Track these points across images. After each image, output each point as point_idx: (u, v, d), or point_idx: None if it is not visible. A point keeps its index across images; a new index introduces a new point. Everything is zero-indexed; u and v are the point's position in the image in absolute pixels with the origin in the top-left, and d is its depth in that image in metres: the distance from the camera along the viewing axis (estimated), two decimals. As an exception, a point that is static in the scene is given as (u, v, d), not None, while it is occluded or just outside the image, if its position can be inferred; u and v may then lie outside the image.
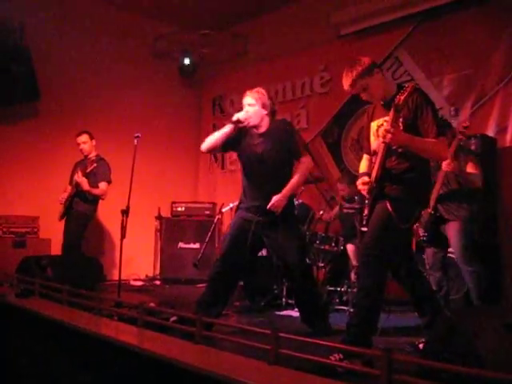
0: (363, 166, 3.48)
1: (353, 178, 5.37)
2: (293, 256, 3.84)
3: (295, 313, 4.69)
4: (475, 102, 5.92)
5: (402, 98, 2.97)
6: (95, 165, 5.75)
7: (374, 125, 3.30)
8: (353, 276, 5.10)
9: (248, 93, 3.85)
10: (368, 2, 6.63)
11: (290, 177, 3.87)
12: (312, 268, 5.28)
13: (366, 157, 3.48)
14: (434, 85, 6.25)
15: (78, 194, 5.80)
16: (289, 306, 5.19)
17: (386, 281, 3.16)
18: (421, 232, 4.41)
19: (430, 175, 3.42)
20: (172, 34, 7.96)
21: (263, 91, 3.87)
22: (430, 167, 3.37)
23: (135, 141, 5.11)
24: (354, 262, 5.34)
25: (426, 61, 6.36)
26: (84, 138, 6.00)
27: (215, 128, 7.59)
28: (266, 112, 3.83)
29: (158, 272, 7.72)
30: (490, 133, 5.56)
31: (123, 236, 4.89)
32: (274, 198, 3.73)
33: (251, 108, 3.84)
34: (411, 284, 3.41)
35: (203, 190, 8.88)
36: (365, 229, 3.17)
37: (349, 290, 5.04)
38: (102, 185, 5.85)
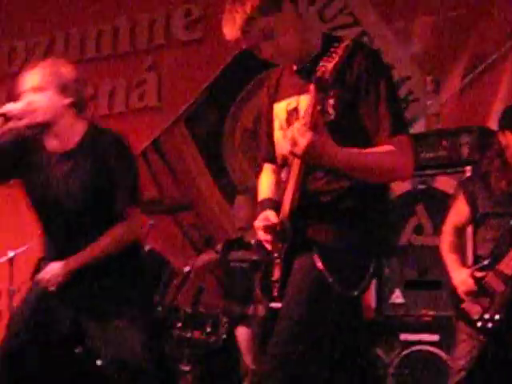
0: (264, 187, 3.38)
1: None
2: (131, 356, 3.61)
3: None
4: (469, 67, 5.86)
5: (331, 66, 2.82)
6: None
7: (280, 109, 3.18)
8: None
9: (30, 70, 3.65)
10: None
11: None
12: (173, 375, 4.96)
13: (267, 168, 3.41)
14: (396, 35, 6.21)
15: None
16: None
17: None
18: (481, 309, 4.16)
19: (389, 198, 3.43)
20: None
21: (63, 64, 3.70)
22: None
23: None
24: (248, 362, 5.25)
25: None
26: None
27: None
28: (67, 101, 3.60)
29: None
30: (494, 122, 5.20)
31: None
32: (47, 269, 3.68)
33: (37, 96, 3.56)
34: None
35: None
36: (277, 305, 3.03)
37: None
38: None
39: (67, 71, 3.63)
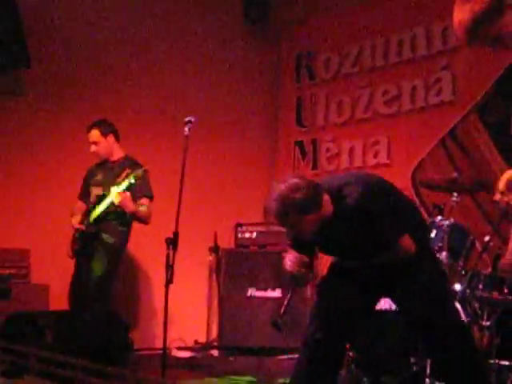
0: None
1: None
2: (433, 310, 3.88)
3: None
4: None
5: None
6: (128, 171, 5.75)
7: None
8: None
9: (269, 211, 3.71)
10: None
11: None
12: (471, 330, 5.10)
13: None
14: None
15: (104, 216, 5.88)
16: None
17: None
18: None
19: None
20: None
21: (291, 190, 3.64)
22: None
23: (186, 129, 5.17)
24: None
25: None
26: (93, 135, 6.07)
27: (301, 103, 8.13)
28: (314, 216, 3.71)
29: (214, 336, 7.58)
30: None
31: (169, 280, 5.02)
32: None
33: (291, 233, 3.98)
34: None
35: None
36: None
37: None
38: (145, 202, 5.98)
39: (295, 197, 3.58)
